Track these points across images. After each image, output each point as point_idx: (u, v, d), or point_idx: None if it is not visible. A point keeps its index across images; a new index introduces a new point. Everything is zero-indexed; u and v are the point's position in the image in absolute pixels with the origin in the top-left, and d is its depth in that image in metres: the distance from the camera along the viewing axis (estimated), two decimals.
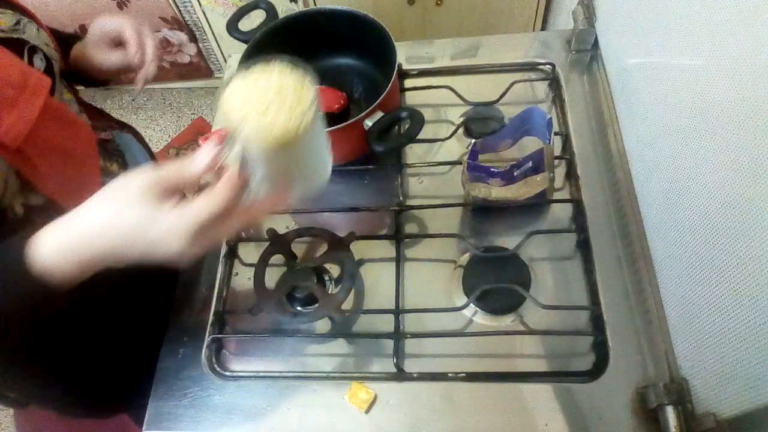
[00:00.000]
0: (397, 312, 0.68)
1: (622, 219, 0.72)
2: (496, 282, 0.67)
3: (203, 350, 0.70)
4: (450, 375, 0.65)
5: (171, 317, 0.73)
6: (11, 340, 0.61)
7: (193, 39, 1.83)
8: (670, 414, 0.57)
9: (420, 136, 0.67)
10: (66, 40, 0.72)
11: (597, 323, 0.66)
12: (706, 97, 0.53)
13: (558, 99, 0.84)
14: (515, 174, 0.70)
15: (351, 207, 0.79)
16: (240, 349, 0.71)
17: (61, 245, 0.44)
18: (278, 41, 0.80)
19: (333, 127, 0.70)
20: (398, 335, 0.67)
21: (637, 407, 0.60)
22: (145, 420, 0.66)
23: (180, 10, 1.69)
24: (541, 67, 0.88)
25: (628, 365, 0.62)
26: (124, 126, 0.82)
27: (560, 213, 0.75)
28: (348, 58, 0.88)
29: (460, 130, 0.81)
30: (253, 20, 0.80)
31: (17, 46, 0.57)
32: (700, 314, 0.55)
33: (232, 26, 0.81)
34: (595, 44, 0.86)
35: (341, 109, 0.79)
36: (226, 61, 1.82)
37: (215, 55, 1.88)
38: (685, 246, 0.58)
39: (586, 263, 0.70)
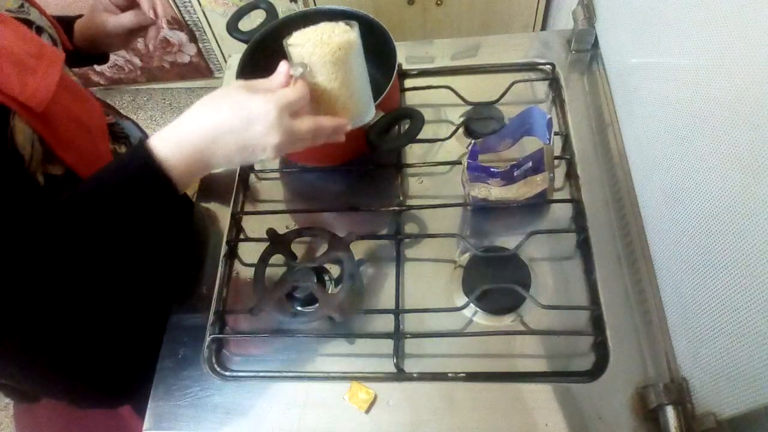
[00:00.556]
0: (397, 312, 0.68)
1: (622, 219, 0.72)
2: (496, 282, 0.67)
3: (203, 350, 0.70)
4: (450, 375, 0.65)
5: (171, 317, 0.73)
6: (28, 334, 0.64)
7: (193, 39, 1.83)
8: (670, 414, 0.57)
9: (420, 136, 0.67)
10: (69, 23, 0.74)
11: (597, 323, 0.66)
12: (707, 97, 0.53)
13: (558, 99, 0.84)
14: (515, 174, 0.70)
15: (351, 207, 0.79)
16: (240, 349, 0.71)
17: (173, 139, 0.51)
18: (278, 41, 0.79)
19: None
20: (398, 335, 0.67)
21: (637, 407, 0.60)
22: (145, 420, 0.66)
23: (180, 10, 1.69)
24: (541, 67, 0.88)
25: (628, 365, 0.62)
26: (123, 116, 0.83)
27: (560, 213, 0.75)
28: None
29: (460, 130, 0.81)
30: (253, 20, 0.80)
31: (25, 25, 0.59)
32: (700, 314, 0.55)
33: (232, 26, 0.81)
34: (595, 44, 0.86)
35: None
36: (226, 61, 1.82)
37: (215, 55, 1.88)
38: (685, 246, 0.58)
39: (586, 263, 0.70)
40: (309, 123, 0.54)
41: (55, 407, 0.99)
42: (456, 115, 0.85)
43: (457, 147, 0.82)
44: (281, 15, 0.81)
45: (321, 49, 0.57)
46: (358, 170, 0.82)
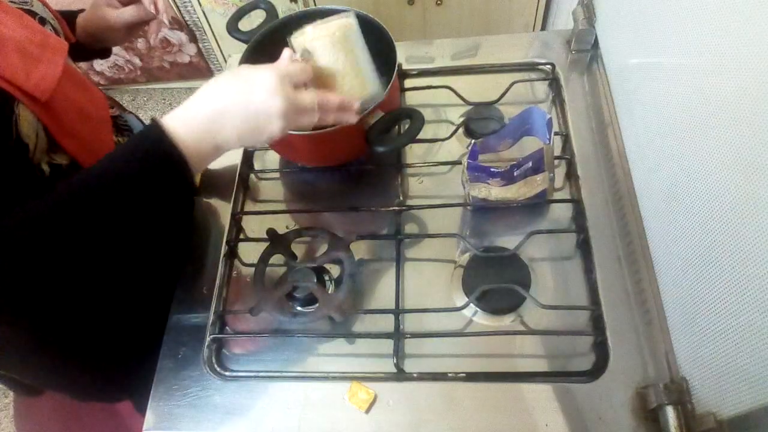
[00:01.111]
0: (397, 312, 0.68)
1: (622, 219, 0.72)
2: (496, 282, 0.67)
3: (203, 350, 0.70)
4: (450, 375, 0.65)
5: (171, 317, 0.73)
6: (31, 328, 0.65)
7: (193, 39, 1.83)
8: (670, 414, 0.57)
9: (420, 136, 0.67)
10: (71, 17, 0.74)
11: (597, 323, 0.66)
12: (707, 97, 0.53)
13: (558, 99, 0.84)
14: (515, 174, 0.70)
15: (351, 207, 0.79)
16: (240, 349, 0.71)
17: (182, 115, 0.52)
18: (278, 41, 0.79)
19: (333, 128, 0.70)
20: (398, 335, 0.67)
21: (637, 407, 0.60)
22: (145, 420, 0.66)
23: (180, 10, 1.69)
24: (541, 67, 0.88)
25: (628, 365, 0.62)
26: (126, 111, 0.84)
27: (560, 213, 0.75)
28: None
29: (460, 130, 0.81)
30: (253, 20, 0.80)
31: (30, 16, 0.60)
32: (700, 314, 0.55)
33: (232, 26, 0.81)
34: (595, 44, 0.86)
35: None
36: (226, 61, 1.82)
37: (215, 55, 1.88)
38: (685, 246, 0.58)
39: (586, 263, 0.70)
40: (312, 94, 0.56)
41: (55, 405, 0.99)
42: (456, 115, 0.85)
43: (457, 147, 0.82)
44: (281, 15, 0.81)
45: (319, 31, 0.61)
46: (358, 170, 0.82)
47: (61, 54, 0.58)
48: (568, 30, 0.90)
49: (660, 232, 0.65)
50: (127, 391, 0.84)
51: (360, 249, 0.75)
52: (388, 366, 0.66)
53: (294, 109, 0.54)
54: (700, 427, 0.54)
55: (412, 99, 0.88)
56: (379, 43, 0.76)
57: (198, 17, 1.70)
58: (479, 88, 0.85)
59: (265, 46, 0.79)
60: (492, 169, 0.70)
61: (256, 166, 0.86)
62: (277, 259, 0.73)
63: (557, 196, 0.76)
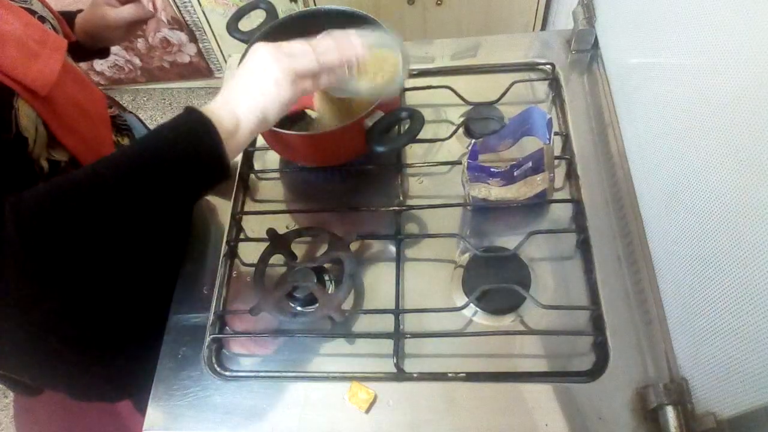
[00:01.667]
0: (397, 312, 0.68)
1: (622, 219, 0.72)
2: (496, 282, 0.67)
3: (203, 350, 0.70)
4: (450, 375, 0.65)
5: (171, 317, 0.73)
6: (31, 326, 0.65)
7: (193, 39, 1.83)
8: (670, 414, 0.57)
9: (420, 136, 0.67)
10: (70, 17, 0.75)
11: (597, 323, 0.66)
12: (707, 97, 0.53)
13: (558, 99, 0.84)
14: (515, 174, 0.70)
15: (351, 207, 0.79)
16: (240, 349, 0.71)
17: (218, 102, 0.53)
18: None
19: (333, 128, 0.70)
20: (398, 335, 0.67)
21: (637, 407, 0.60)
22: (145, 420, 0.66)
23: (180, 10, 1.69)
24: (541, 67, 0.88)
25: (628, 365, 0.62)
26: (126, 110, 0.84)
27: (560, 213, 0.75)
28: None
29: (460, 130, 0.81)
30: (253, 20, 0.80)
31: (29, 14, 0.60)
32: (700, 314, 0.55)
33: (232, 26, 0.81)
34: (595, 44, 0.86)
35: None
36: (226, 61, 1.82)
37: (215, 55, 1.88)
38: (685, 246, 0.58)
39: (586, 263, 0.70)
40: (299, 41, 0.55)
41: (55, 405, 0.99)
42: (456, 115, 0.85)
43: (457, 147, 0.82)
44: (281, 15, 0.81)
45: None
46: (358, 170, 0.82)
47: (60, 50, 0.58)
48: (568, 30, 0.90)
49: (660, 232, 0.65)
50: (127, 391, 0.84)
51: (360, 249, 0.75)
52: (388, 366, 0.66)
53: (282, 53, 0.53)
54: (700, 427, 0.54)
55: (412, 99, 0.88)
56: None
57: (198, 17, 1.70)
58: (479, 88, 0.85)
59: None
60: (492, 169, 0.70)
61: (256, 166, 0.86)
62: (277, 259, 0.73)
63: (557, 196, 0.76)
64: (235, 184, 0.83)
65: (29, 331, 0.67)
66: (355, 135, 0.68)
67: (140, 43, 1.87)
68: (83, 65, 0.93)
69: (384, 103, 0.68)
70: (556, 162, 0.76)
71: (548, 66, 0.87)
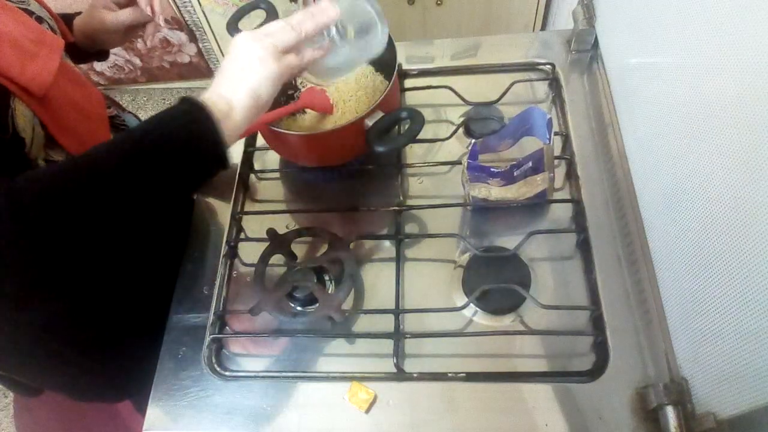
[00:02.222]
0: (397, 312, 0.68)
1: (622, 219, 0.72)
2: (496, 282, 0.67)
3: (203, 350, 0.70)
4: (450, 375, 0.65)
5: (171, 317, 0.73)
6: (31, 327, 0.64)
7: (193, 39, 1.83)
8: (670, 414, 0.57)
9: (420, 136, 0.67)
10: (68, 20, 0.74)
11: (597, 323, 0.66)
12: (707, 97, 0.53)
13: (558, 99, 0.84)
14: (515, 174, 0.70)
15: (351, 207, 0.79)
16: (240, 349, 0.71)
17: (209, 90, 0.52)
18: None
19: (333, 128, 0.70)
20: (398, 335, 0.67)
21: (637, 407, 0.60)
22: (145, 420, 0.66)
23: (180, 10, 1.69)
24: (541, 67, 0.88)
25: (628, 365, 0.62)
26: (125, 110, 0.84)
27: (560, 213, 0.75)
28: None
29: (460, 130, 0.81)
30: (253, 20, 0.80)
31: (26, 14, 0.60)
32: (700, 314, 0.55)
33: (232, 26, 0.81)
34: (595, 44, 0.86)
35: None
36: None
37: (215, 55, 1.88)
38: (685, 246, 0.58)
39: (586, 263, 0.70)
40: (275, 21, 0.56)
41: (55, 405, 0.99)
42: (456, 115, 0.85)
43: (457, 147, 0.82)
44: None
45: None
46: (358, 170, 0.82)
47: (57, 50, 0.58)
48: (568, 30, 0.90)
49: (660, 232, 0.65)
50: (127, 391, 0.84)
51: (360, 249, 0.75)
52: (388, 366, 0.66)
53: (261, 33, 0.53)
54: (700, 427, 0.54)
55: (412, 99, 0.88)
56: None
57: (198, 17, 1.70)
58: (479, 88, 0.85)
59: None
60: (492, 169, 0.70)
61: (256, 166, 0.86)
62: (277, 259, 0.73)
63: (557, 196, 0.76)
64: (235, 184, 0.83)
65: (29, 331, 0.67)
66: (355, 135, 0.68)
67: (140, 43, 1.87)
68: (83, 65, 0.94)
69: (384, 103, 0.68)
70: (556, 162, 0.76)
71: (548, 66, 0.87)
